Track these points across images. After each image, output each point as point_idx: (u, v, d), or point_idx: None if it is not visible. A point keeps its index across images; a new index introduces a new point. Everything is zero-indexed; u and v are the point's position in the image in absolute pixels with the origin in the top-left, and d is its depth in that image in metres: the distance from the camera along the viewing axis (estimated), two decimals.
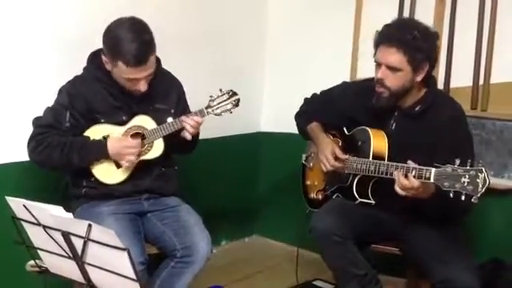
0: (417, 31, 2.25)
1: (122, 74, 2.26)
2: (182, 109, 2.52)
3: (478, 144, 2.81)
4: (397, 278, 3.07)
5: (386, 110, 2.39)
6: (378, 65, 2.32)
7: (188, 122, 2.36)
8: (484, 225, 2.88)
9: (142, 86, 2.31)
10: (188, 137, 2.38)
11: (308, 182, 2.76)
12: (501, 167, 2.81)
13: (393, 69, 2.27)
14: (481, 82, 2.86)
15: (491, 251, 2.79)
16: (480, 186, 1.90)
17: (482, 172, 1.90)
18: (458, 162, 1.96)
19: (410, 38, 2.23)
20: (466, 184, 1.92)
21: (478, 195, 1.91)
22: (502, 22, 2.81)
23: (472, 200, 1.92)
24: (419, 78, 2.30)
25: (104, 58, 2.31)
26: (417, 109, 2.36)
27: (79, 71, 2.42)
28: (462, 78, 2.91)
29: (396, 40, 2.24)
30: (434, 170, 2.02)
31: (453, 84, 2.94)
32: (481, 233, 2.88)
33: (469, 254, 2.25)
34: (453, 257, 2.19)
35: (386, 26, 2.32)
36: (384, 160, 2.31)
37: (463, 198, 1.93)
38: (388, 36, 2.28)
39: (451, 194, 1.95)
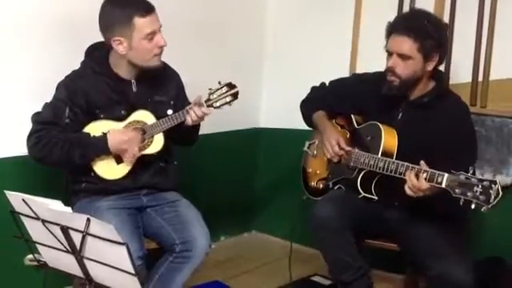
0: (427, 20, 2.30)
1: (142, 31, 2.25)
2: (182, 101, 2.51)
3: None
4: (395, 275, 3.07)
5: (395, 99, 2.41)
6: (390, 54, 2.35)
7: (196, 112, 2.34)
8: (482, 221, 2.87)
9: (162, 40, 2.31)
10: (189, 123, 2.36)
11: (310, 170, 2.75)
12: (500, 164, 2.81)
13: (404, 57, 2.30)
14: (480, 78, 2.86)
15: (490, 248, 2.79)
16: (493, 197, 1.90)
17: (495, 184, 1.91)
18: (471, 170, 1.97)
19: (420, 26, 2.27)
20: (478, 193, 1.92)
21: (490, 206, 1.91)
22: (502, 19, 2.80)
23: (482, 210, 1.92)
24: (430, 67, 2.34)
25: (117, 40, 2.28)
26: (424, 99, 2.39)
27: (78, 65, 2.42)
28: (461, 74, 2.91)
29: (406, 28, 2.29)
30: (446, 175, 2.02)
31: (452, 80, 2.93)
32: (479, 230, 2.88)
33: (463, 249, 2.26)
34: (447, 251, 2.21)
35: (398, 17, 2.39)
36: (392, 158, 2.31)
37: (473, 206, 1.93)
38: (399, 25, 2.33)
39: (461, 202, 1.96)
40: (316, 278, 3.13)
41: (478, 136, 2.82)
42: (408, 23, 2.31)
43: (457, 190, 1.97)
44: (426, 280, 2.31)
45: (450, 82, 2.93)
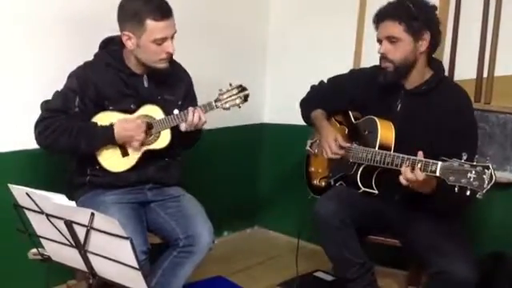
0: (410, 3, 2.31)
1: (152, 35, 2.25)
2: (190, 102, 2.52)
3: (481, 137, 2.79)
4: (398, 271, 3.08)
5: (393, 90, 2.41)
6: (380, 42, 2.37)
7: (194, 115, 2.33)
8: (485, 217, 2.88)
9: (171, 47, 2.30)
10: (182, 128, 2.37)
11: (312, 169, 2.76)
12: (503, 160, 2.80)
13: (392, 40, 2.31)
14: (485, 74, 2.85)
15: (492, 244, 2.79)
16: (486, 182, 1.89)
17: (488, 168, 1.89)
18: (464, 157, 1.95)
19: (403, 9, 2.29)
20: (471, 179, 1.91)
21: (484, 191, 1.89)
22: (507, 15, 2.79)
23: (477, 196, 1.91)
24: (422, 48, 2.33)
25: (126, 35, 2.28)
26: (423, 88, 2.39)
27: (88, 57, 2.42)
28: (465, 70, 2.90)
29: (391, 13, 2.32)
30: (440, 163, 2.01)
31: (457, 77, 2.93)
32: (482, 225, 2.88)
33: (467, 246, 2.26)
34: (451, 248, 2.20)
35: (382, 6, 2.39)
36: (390, 150, 2.31)
37: (468, 193, 1.92)
38: (383, 13, 2.36)
39: (456, 189, 1.94)
40: (318, 274, 3.13)
41: (482, 132, 2.84)
42: (391, 9, 2.33)
43: (451, 178, 1.96)
44: (428, 276, 2.30)
45: (455, 79, 2.92)
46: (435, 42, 2.36)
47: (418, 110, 2.38)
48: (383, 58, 2.36)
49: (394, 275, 3.07)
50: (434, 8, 2.37)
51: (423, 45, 2.32)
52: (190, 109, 2.34)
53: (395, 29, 2.30)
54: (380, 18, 2.36)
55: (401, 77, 2.38)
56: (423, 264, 2.31)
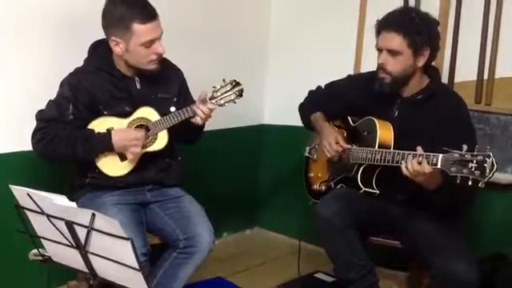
0: (416, 16, 2.31)
1: (140, 39, 2.24)
2: (184, 97, 2.52)
3: (481, 138, 2.80)
4: (398, 272, 3.07)
5: (390, 97, 2.41)
6: (380, 51, 2.36)
7: (202, 110, 2.33)
8: (487, 219, 2.88)
9: (161, 48, 2.29)
10: (199, 122, 2.36)
11: (311, 174, 2.77)
12: (504, 162, 2.79)
13: (393, 53, 2.30)
14: (485, 76, 2.85)
15: (494, 245, 2.79)
16: (487, 170, 1.89)
17: (489, 157, 1.90)
18: (465, 147, 1.95)
19: (408, 22, 2.28)
20: (473, 169, 1.91)
21: (485, 180, 1.90)
22: (508, 17, 2.79)
23: (479, 185, 1.91)
24: (420, 64, 2.33)
25: (114, 41, 2.27)
26: (419, 97, 2.39)
27: (83, 54, 2.41)
28: (466, 72, 2.90)
29: (395, 24, 2.29)
30: (441, 155, 2.02)
31: (457, 78, 2.93)
32: (483, 227, 2.88)
33: (467, 247, 2.26)
34: (453, 249, 2.21)
35: (387, 14, 2.37)
36: (390, 149, 2.31)
37: (470, 183, 1.92)
38: (388, 22, 2.33)
39: (458, 180, 1.94)
40: (319, 275, 3.13)
41: (483, 134, 2.83)
42: (397, 19, 2.31)
43: (452, 169, 1.96)
44: (430, 277, 2.30)
45: (455, 80, 2.93)
46: (432, 58, 2.37)
47: (415, 118, 2.38)
48: (381, 68, 2.35)
49: (395, 277, 3.07)
50: (437, 23, 2.37)
51: (421, 60, 2.32)
52: (188, 108, 2.33)
53: (399, 42, 2.28)
54: (384, 27, 2.34)
55: (397, 88, 2.38)
56: (424, 265, 2.31)
